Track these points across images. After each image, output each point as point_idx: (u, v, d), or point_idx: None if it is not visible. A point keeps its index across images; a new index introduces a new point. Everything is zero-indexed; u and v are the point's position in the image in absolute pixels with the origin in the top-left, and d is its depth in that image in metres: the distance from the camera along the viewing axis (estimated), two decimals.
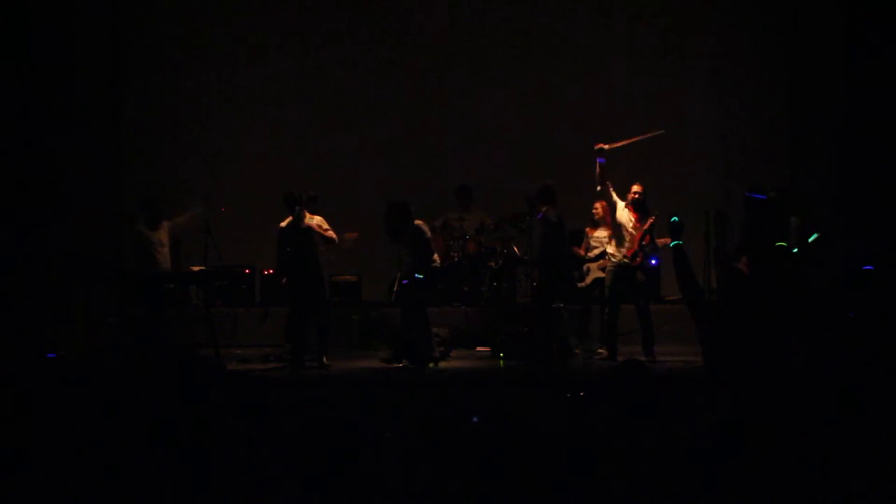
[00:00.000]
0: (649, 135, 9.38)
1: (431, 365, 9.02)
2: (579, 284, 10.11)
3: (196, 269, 9.41)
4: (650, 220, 9.13)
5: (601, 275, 9.70)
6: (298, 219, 9.04)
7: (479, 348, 10.21)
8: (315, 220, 9.25)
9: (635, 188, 9.28)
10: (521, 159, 11.68)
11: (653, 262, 9.46)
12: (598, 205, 9.74)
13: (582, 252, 10.07)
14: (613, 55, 12.20)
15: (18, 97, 10.32)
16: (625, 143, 9.27)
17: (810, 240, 5.97)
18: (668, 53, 12.12)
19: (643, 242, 9.15)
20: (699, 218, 8.60)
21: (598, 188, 9.11)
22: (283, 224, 9.13)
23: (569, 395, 6.23)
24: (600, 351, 9.52)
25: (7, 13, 10.28)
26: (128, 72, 12.17)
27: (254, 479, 4.91)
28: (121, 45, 12.08)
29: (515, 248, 10.84)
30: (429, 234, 9.27)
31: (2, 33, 10.23)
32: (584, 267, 10.08)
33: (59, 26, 10.97)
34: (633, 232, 9.18)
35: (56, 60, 10.87)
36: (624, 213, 9.24)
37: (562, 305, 10.47)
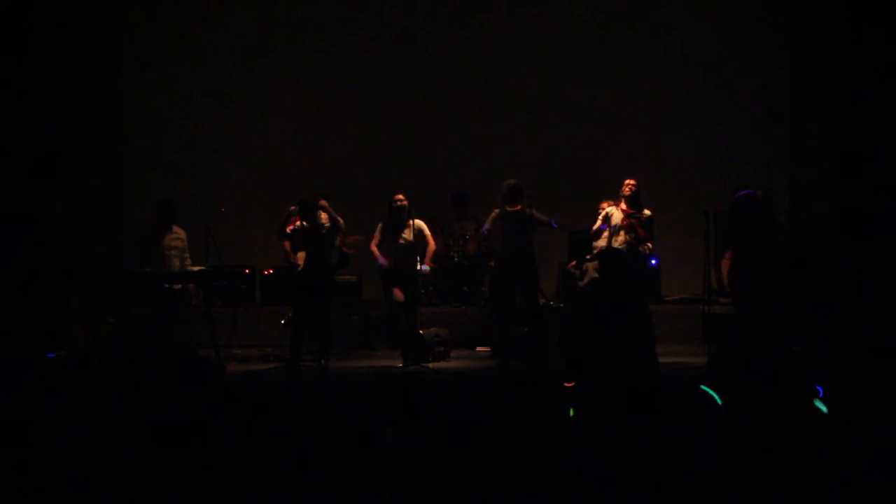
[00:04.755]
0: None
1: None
2: (578, 283, 10.07)
3: (196, 269, 9.38)
4: (646, 215, 9.12)
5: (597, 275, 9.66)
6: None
7: (479, 348, 10.21)
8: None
9: (628, 181, 9.30)
10: (521, 162, 11.63)
11: (652, 262, 9.43)
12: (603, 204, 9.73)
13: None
14: (613, 56, 12.19)
15: (18, 96, 10.30)
16: None
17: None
18: (669, 53, 12.11)
19: (637, 233, 9.13)
20: (699, 218, 8.57)
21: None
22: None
23: None
24: None
25: (7, 12, 10.27)
26: (128, 71, 12.16)
27: (253, 477, 4.91)
28: (120, 45, 12.07)
29: None
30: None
31: (2, 32, 10.21)
32: (584, 266, 10.05)
33: (59, 25, 10.96)
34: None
35: (56, 59, 10.85)
36: (618, 213, 9.27)
37: (561, 305, 10.47)
